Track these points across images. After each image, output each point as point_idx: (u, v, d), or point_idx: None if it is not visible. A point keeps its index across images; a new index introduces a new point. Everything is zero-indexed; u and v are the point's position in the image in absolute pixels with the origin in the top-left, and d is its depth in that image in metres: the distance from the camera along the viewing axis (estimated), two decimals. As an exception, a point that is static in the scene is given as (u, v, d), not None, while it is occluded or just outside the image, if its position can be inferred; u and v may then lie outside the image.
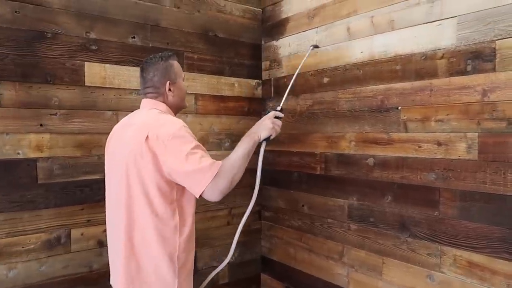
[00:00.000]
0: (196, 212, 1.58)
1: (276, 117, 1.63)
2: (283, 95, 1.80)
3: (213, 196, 1.39)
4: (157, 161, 1.39)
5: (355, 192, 2.16)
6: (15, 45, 1.87)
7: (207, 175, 1.36)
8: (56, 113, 1.99)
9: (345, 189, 2.21)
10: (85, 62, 2.07)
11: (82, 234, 2.07)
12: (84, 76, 2.07)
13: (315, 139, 2.39)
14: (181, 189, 1.47)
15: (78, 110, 2.06)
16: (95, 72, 2.10)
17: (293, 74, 1.90)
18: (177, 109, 1.65)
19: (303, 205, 2.49)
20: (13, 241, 1.89)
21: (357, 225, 2.15)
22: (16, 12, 1.87)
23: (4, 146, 1.86)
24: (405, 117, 1.91)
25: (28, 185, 1.92)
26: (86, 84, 2.08)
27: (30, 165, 1.92)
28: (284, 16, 2.61)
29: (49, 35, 1.96)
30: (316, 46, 2.01)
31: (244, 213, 1.71)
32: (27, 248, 1.93)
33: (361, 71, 2.11)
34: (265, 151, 1.65)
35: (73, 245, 2.05)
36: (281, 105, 1.71)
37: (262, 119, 1.62)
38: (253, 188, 1.65)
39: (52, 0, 1.97)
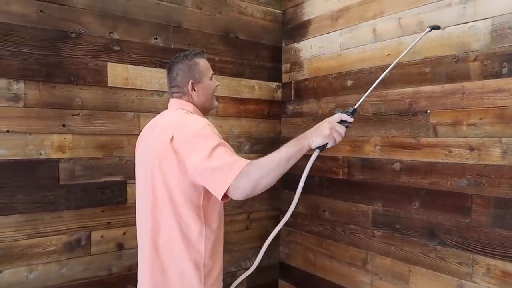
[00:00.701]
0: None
1: (341, 121, 1.31)
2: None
3: (236, 196, 1.25)
4: (182, 163, 1.33)
5: (380, 198, 2.11)
6: (39, 45, 1.86)
7: (231, 172, 1.22)
8: (79, 114, 1.97)
9: (369, 194, 2.16)
10: (108, 63, 2.06)
11: (102, 237, 2.05)
12: (107, 76, 2.05)
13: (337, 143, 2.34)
14: (208, 194, 1.42)
15: (100, 111, 2.04)
16: (118, 73, 2.09)
17: (390, 64, 1.50)
18: (204, 109, 1.60)
19: (324, 210, 2.44)
20: (34, 243, 1.87)
21: (382, 231, 2.09)
22: (41, 11, 1.86)
23: (27, 146, 1.84)
24: (435, 121, 1.85)
25: (50, 186, 1.90)
26: (108, 85, 2.06)
27: (52, 166, 1.90)
28: (306, 18, 2.57)
29: (73, 35, 1.95)
30: (436, 27, 1.45)
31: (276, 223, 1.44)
32: (47, 249, 1.91)
33: (388, 73, 2.06)
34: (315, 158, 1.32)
35: (93, 248, 2.02)
36: (353, 107, 1.33)
37: (322, 121, 1.31)
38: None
39: (77, 0, 1.96)
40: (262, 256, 1.42)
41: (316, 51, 2.51)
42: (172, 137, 1.35)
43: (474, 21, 1.71)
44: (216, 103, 1.65)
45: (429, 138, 1.88)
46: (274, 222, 2.76)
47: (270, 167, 1.23)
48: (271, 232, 1.37)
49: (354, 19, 2.24)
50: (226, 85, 2.51)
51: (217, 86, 1.63)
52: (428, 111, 1.88)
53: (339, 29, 2.33)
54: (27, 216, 1.85)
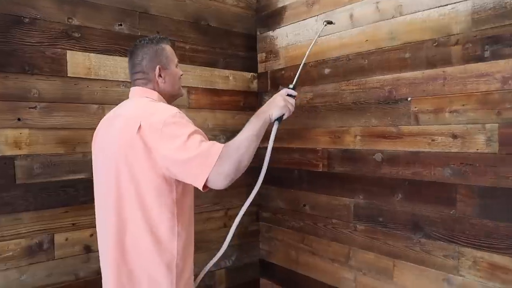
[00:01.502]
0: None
1: (288, 95, 1.42)
2: (294, 76, 1.54)
3: (219, 182, 1.19)
4: (152, 155, 1.22)
5: (361, 190, 2.02)
6: (-12, 31, 1.69)
7: (209, 159, 1.17)
8: (36, 106, 1.81)
9: (351, 187, 2.07)
10: (67, 51, 1.89)
11: (66, 239, 1.89)
12: (66, 66, 1.89)
13: (316, 134, 2.25)
14: (181, 188, 1.30)
15: (60, 103, 1.88)
16: (79, 62, 1.93)
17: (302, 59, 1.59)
18: (170, 98, 1.48)
19: (304, 205, 2.35)
20: (-12, 249, 1.71)
21: (365, 225, 2.01)
22: (-11, -6, 1.69)
23: (-24, 143, 1.67)
24: (416, 109, 1.77)
25: (5, 185, 1.73)
26: (68, 75, 1.90)
27: (7, 163, 1.74)
28: (280, 4, 2.46)
29: (27, 20, 1.78)
30: (330, 22, 1.70)
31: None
32: (5, 255, 1.74)
33: (366, 60, 1.98)
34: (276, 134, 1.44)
35: (57, 251, 1.86)
36: (293, 83, 1.48)
37: (273, 97, 1.40)
38: (250, 188, 1.48)
39: (30, -19, 1.79)
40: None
41: (292, 39, 2.40)
42: (140, 126, 1.23)
43: (454, 3, 1.63)
44: (182, 92, 1.55)
45: (411, 127, 1.80)
46: (253, 219, 2.65)
47: (245, 144, 1.22)
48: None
49: (330, 4, 2.14)
50: (198, 75, 2.37)
51: (181, 75, 1.52)
52: (409, 99, 1.80)
53: (315, 16, 2.23)
54: (-21, 219, 1.68)
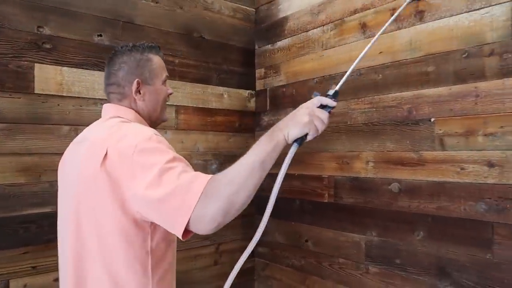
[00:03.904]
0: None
1: (322, 106, 1.00)
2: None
3: (201, 226, 0.87)
4: (120, 191, 0.93)
5: (374, 226, 1.73)
6: None
7: (190, 195, 0.86)
8: (-6, 128, 1.54)
9: (361, 221, 1.79)
10: (36, 64, 1.64)
11: (25, 286, 1.59)
12: (34, 81, 1.63)
13: (322, 159, 1.97)
14: (159, 235, 1.01)
15: (25, 124, 1.61)
16: (49, 77, 1.67)
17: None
18: (150, 121, 1.18)
19: (306, 240, 2.05)
20: None
21: (378, 267, 1.71)
22: None
23: None
24: (441, 131, 1.51)
25: (-49, 222, 1.45)
26: (35, 92, 1.64)
27: (-46, 195, 1.46)
28: (282, 15, 2.23)
29: (-13, 27, 1.53)
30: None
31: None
32: None
33: (380, 75, 1.72)
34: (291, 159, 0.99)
35: (12, 301, 1.57)
36: (337, 88, 1.06)
37: (298, 108, 0.99)
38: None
39: (-8, -16, 1.55)
40: None
41: (294, 53, 2.15)
42: (106, 155, 0.94)
43: (488, 6, 1.38)
44: (166, 116, 1.25)
45: (435, 152, 1.53)
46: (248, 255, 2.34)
47: (243, 175, 0.88)
48: (244, 266, 1.00)
49: (339, 12, 1.90)
50: (189, 93, 2.11)
51: (170, 94, 1.23)
52: (433, 119, 1.53)
53: (321, 26, 1.99)
54: None
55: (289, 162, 0.98)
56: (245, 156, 0.92)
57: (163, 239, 1.02)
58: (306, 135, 0.96)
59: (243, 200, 0.88)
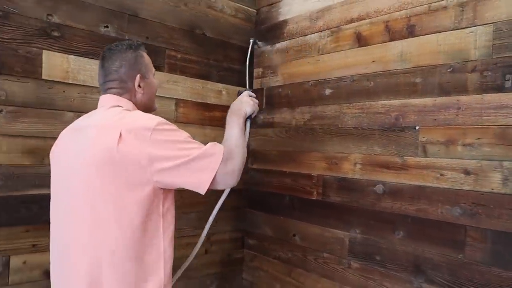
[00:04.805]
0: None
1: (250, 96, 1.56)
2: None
3: (227, 180, 1.16)
4: (139, 167, 1.07)
5: (358, 224, 1.84)
6: (-48, 22, 1.50)
7: (214, 157, 1.13)
8: (2, 110, 1.60)
9: (347, 219, 1.89)
10: (44, 51, 1.70)
11: (24, 263, 1.66)
12: (41, 67, 1.70)
13: (312, 158, 2.07)
14: (169, 199, 1.18)
15: (31, 109, 1.68)
16: (56, 64, 1.74)
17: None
18: (145, 111, 1.30)
19: (294, 235, 2.15)
20: None
21: (360, 263, 1.82)
22: (-43, -19, 1.51)
23: None
24: (425, 139, 1.61)
25: (-43, 198, 1.52)
26: (43, 77, 1.70)
27: (-40, 173, 1.53)
28: (282, 18, 2.31)
29: (0, 13, 1.59)
30: (255, 42, 2.12)
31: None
32: (-51, 278, 1.51)
33: (372, 83, 1.82)
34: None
35: (11, 276, 1.63)
36: (247, 87, 1.73)
37: (237, 99, 1.51)
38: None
39: (7, -28, 1.61)
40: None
41: (292, 55, 2.24)
42: (120, 136, 1.06)
43: (473, 26, 1.49)
44: (157, 106, 1.42)
45: (418, 158, 1.63)
46: (237, 245, 2.44)
47: (239, 141, 1.25)
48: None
49: (336, 20, 1.99)
50: (189, 87, 2.20)
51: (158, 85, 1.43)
52: (417, 127, 1.64)
53: (319, 32, 2.08)
54: None
55: (249, 131, 1.54)
56: (229, 130, 1.29)
57: (171, 204, 1.18)
58: (253, 113, 1.50)
59: (245, 155, 1.23)
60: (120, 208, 1.08)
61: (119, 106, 1.21)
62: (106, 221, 1.09)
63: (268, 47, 2.39)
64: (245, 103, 1.46)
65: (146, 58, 1.32)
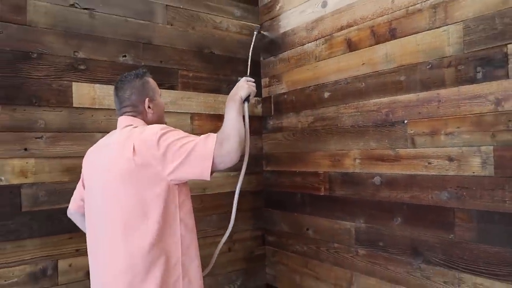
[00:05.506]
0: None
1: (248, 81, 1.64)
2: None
3: (225, 161, 1.29)
4: (154, 170, 1.30)
5: (362, 214, 2.00)
6: (-3, 67, 1.80)
7: (207, 143, 1.29)
8: (42, 136, 1.89)
9: (351, 210, 2.05)
10: (73, 83, 1.99)
11: (70, 265, 1.94)
12: (72, 97, 1.98)
13: (317, 157, 2.25)
14: (183, 193, 1.40)
15: (66, 133, 1.96)
16: (84, 93, 2.02)
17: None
18: None
19: (307, 229, 2.33)
20: (-6, 275, 1.77)
21: (366, 250, 1.98)
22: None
23: (-15, 173, 1.76)
24: (412, 131, 1.76)
25: (11, 213, 1.81)
26: (74, 105, 1.99)
27: (13, 192, 1.82)
28: (282, 30, 2.51)
29: (35, 55, 1.89)
30: (259, 33, 2.22)
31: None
32: (10, 281, 1.80)
33: (363, 83, 1.98)
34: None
35: (60, 277, 1.92)
36: (247, 74, 1.78)
37: (235, 87, 1.60)
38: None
39: (38, 19, 1.90)
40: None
41: (293, 64, 2.43)
42: (134, 148, 1.30)
43: (445, 25, 1.63)
44: (166, 120, 1.66)
45: (408, 149, 1.78)
46: (259, 243, 2.64)
47: (236, 123, 1.37)
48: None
49: (328, 29, 2.17)
50: (202, 102, 2.43)
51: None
52: (405, 121, 1.79)
53: (315, 40, 2.26)
54: (-14, 246, 1.76)
55: (248, 113, 1.67)
56: (226, 115, 1.42)
57: (186, 196, 1.41)
58: (249, 95, 1.59)
59: (242, 136, 1.34)
60: (142, 203, 1.31)
61: (131, 125, 1.44)
62: (134, 219, 1.32)
63: (272, 58, 2.59)
64: (240, 87, 1.56)
65: (152, 83, 1.54)
